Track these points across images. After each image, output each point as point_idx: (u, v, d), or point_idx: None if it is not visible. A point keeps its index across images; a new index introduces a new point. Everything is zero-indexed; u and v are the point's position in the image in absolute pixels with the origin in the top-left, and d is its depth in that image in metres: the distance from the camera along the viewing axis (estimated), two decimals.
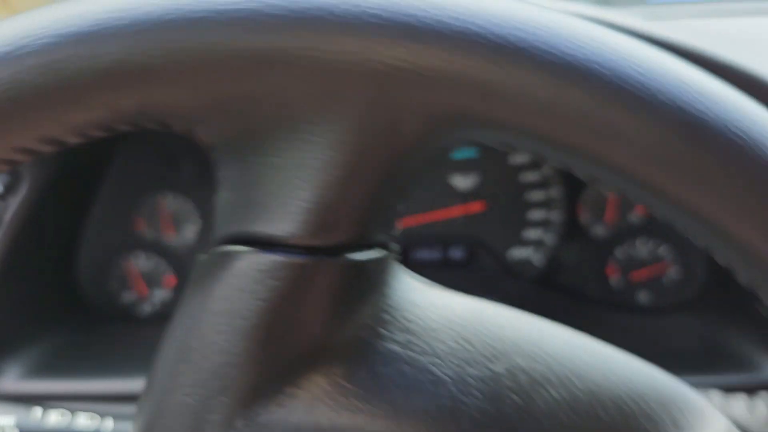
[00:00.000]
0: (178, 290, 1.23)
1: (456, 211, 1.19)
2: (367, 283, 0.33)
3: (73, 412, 0.74)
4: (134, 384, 0.94)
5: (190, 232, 1.24)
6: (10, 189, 0.91)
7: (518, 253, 1.20)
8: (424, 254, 1.22)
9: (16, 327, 1.00)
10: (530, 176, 1.19)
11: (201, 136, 0.32)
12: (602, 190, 1.18)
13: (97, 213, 1.16)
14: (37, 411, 0.73)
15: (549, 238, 1.19)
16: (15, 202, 0.92)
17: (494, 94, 0.28)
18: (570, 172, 1.04)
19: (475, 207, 1.19)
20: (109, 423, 0.76)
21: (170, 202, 1.23)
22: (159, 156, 1.20)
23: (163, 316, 1.23)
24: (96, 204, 1.14)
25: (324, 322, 0.32)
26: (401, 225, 1.22)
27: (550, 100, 0.28)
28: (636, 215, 1.18)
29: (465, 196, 1.19)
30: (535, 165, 1.18)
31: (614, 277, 1.17)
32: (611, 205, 1.18)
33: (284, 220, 0.31)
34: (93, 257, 1.19)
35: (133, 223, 1.23)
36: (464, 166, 1.19)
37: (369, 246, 0.33)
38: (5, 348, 0.98)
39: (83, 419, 0.74)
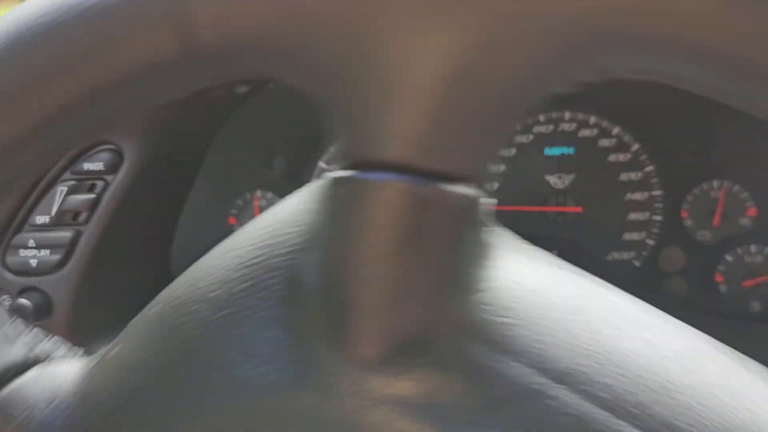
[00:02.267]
0: None
1: (552, 208, 1.15)
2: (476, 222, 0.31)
3: None
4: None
5: None
6: (111, 167, 0.93)
7: (617, 255, 1.15)
8: None
9: (108, 312, 1.03)
10: (630, 176, 1.13)
11: (312, 60, 0.29)
12: (711, 193, 1.11)
13: (193, 208, 1.19)
14: None
15: (650, 241, 1.13)
16: (115, 181, 0.95)
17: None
18: (674, 172, 0.97)
19: (572, 208, 1.15)
20: None
21: (262, 200, 1.25)
22: (253, 154, 1.22)
23: None
24: (191, 199, 1.17)
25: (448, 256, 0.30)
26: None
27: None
28: (747, 219, 1.10)
29: (561, 195, 1.15)
30: (635, 164, 1.13)
31: (724, 285, 1.10)
32: (720, 208, 1.11)
33: (406, 145, 0.28)
34: (187, 252, 1.21)
35: (226, 219, 1.25)
36: (561, 164, 1.15)
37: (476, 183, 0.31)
38: (95, 333, 1.01)
39: None
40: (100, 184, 0.96)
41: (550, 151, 1.15)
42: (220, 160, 1.18)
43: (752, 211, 1.10)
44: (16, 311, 0.96)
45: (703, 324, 0.99)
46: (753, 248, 1.09)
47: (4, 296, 1.00)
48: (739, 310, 1.09)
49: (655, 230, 1.13)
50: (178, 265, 1.20)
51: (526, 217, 1.17)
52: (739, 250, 1.09)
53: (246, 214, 1.25)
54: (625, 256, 1.14)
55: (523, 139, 1.16)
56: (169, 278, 1.19)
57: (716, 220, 1.11)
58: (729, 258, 1.10)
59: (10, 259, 0.98)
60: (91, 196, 0.95)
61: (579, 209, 1.15)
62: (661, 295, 1.13)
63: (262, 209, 1.26)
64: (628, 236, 1.14)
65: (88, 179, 0.96)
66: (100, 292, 1.01)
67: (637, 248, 1.14)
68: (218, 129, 1.10)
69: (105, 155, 0.94)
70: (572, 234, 1.16)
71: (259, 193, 1.25)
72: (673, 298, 1.13)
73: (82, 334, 1.00)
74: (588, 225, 1.15)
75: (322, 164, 1.23)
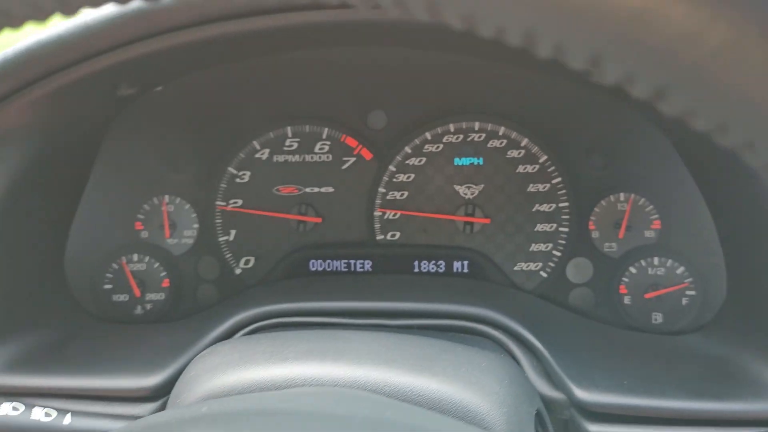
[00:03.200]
0: (172, 293, 1.20)
1: (461, 218, 1.14)
2: None
3: (27, 405, 0.70)
4: (105, 382, 0.91)
5: (188, 235, 1.22)
6: None
7: (524, 266, 1.14)
8: (429, 266, 1.17)
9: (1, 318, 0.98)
10: (538, 187, 1.13)
11: None
12: (617, 205, 1.12)
13: (90, 213, 1.14)
14: None
15: (557, 252, 1.13)
16: None
17: None
18: (582, 184, 0.95)
19: (481, 219, 1.14)
20: (67, 418, 0.72)
21: (170, 205, 1.21)
22: (159, 158, 1.18)
23: (155, 317, 1.20)
24: (88, 204, 1.12)
25: None
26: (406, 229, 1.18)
27: None
28: (652, 231, 1.11)
29: (470, 205, 1.14)
30: (542, 175, 1.13)
31: (628, 296, 1.10)
32: (625, 220, 1.11)
33: None
34: (89, 256, 1.16)
35: (132, 224, 1.21)
36: (469, 174, 1.14)
37: None
38: None
39: (38, 413, 0.71)
40: None
41: (459, 162, 1.15)
42: (117, 165, 1.13)
43: (657, 224, 1.11)
44: None
45: (608, 336, 0.99)
46: (656, 260, 1.10)
47: None
48: (642, 321, 1.09)
49: (562, 241, 1.13)
50: (78, 273, 1.14)
51: (436, 226, 1.16)
52: (643, 262, 1.10)
53: (154, 219, 1.21)
54: (533, 267, 1.14)
55: (432, 148, 1.15)
56: (64, 288, 1.13)
57: (622, 233, 1.12)
58: (633, 270, 1.10)
59: None
60: None
61: (487, 221, 1.14)
62: (568, 306, 1.13)
63: (170, 214, 1.22)
64: (536, 247, 1.14)
65: None
66: None
67: (544, 259, 1.14)
68: (104, 131, 1.05)
69: None
70: (480, 245, 1.15)
71: (167, 198, 1.21)
72: (580, 310, 1.13)
73: None
74: (496, 235, 1.15)
75: (232, 170, 1.20)
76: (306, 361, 0.73)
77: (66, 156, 0.98)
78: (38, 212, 1.00)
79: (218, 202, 1.21)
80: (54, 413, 0.75)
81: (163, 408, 0.91)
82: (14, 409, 0.73)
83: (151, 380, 0.92)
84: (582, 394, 0.82)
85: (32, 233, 1.01)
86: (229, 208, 1.20)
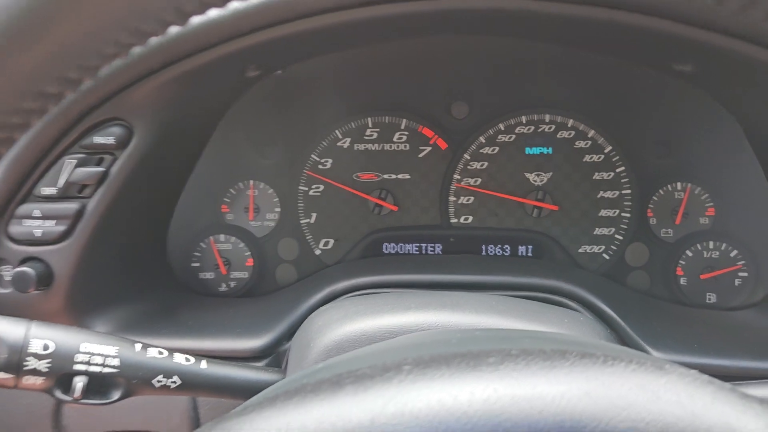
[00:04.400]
0: (256, 271, 1.29)
1: (531, 202, 1.23)
2: None
3: (168, 351, 0.79)
4: (214, 343, 0.99)
5: (270, 218, 1.31)
6: (121, 142, 0.96)
7: (588, 249, 1.24)
8: (496, 250, 1.26)
9: (108, 284, 1.05)
10: (603, 175, 1.23)
11: None
12: (675, 194, 1.22)
13: (190, 192, 1.23)
14: (136, 345, 0.78)
15: (618, 236, 1.23)
16: (123, 156, 0.98)
17: None
18: (643, 174, 1.07)
19: (549, 206, 1.24)
20: (203, 363, 0.80)
21: (255, 190, 1.30)
22: (250, 142, 1.28)
23: (238, 293, 1.28)
24: (190, 183, 1.21)
25: None
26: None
27: None
28: (706, 218, 1.20)
29: (540, 191, 1.23)
30: (607, 164, 1.23)
31: (684, 278, 1.20)
32: (682, 207, 1.21)
33: None
34: (181, 236, 1.25)
35: (219, 207, 1.30)
36: (540, 162, 1.24)
37: None
38: (95, 304, 1.03)
39: (179, 358, 0.79)
40: (108, 158, 0.99)
41: (530, 151, 1.25)
42: (220, 147, 1.22)
43: (711, 211, 1.21)
44: (18, 279, 0.98)
45: (668, 310, 1.08)
46: (711, 245, 1.19)
47: (6, 266, 1.01)
48: (696, 300, 1.18)
49: (624, 226, 1.23)
50: (172, 248, 1.23)
51: (506, 210, 1.26)
52: (699, 246, 1.20)
53: (239, 202, 1.30)
54: (596, 249, 1.24)
55: (505, 138, 1.25)
56: (166, 261, 1.23)
57: (678, 219, 1.21)
58: (689, 253, 1.20)
59: (13, 229, 0.99)
60: (100, 169, 0.98)
61: (555, 208, 1.24)
62: (626, 286, 1.22)
63: (255, 199, 1.31)
64: (599, 231, 1.23)
65: (96, 153, 0.99)
66: (99, 265, 1.03)
67: (607, 242, 1.23)
68: (226, 110, 1.15)
69: (115, 130, 0.97)
70: (547, 228, 1.24)
71: (252, 182, 1.30)
72: (638, 289, 1.22)
73: (78, 306, 1.02)
74: (562, 220, 1.24)
75: (314, 157, 1.29)
76: (428, 310, 0.82)
77: (188, 134, 1.07)
78: (154, 186, 1.09)
79: (301, 188, 1.30)
80: (192, 359, 0.83)
81: (271, 365, 1.00)
82: (160, 353, 0.82)
83: (257, 342, 1.00)
84: (659, 354, 0.91)
85: (146, 206, 1.10)
86: (311, 195, 1.30)
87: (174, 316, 1.10)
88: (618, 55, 1.04)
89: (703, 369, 0.91)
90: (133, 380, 0.81)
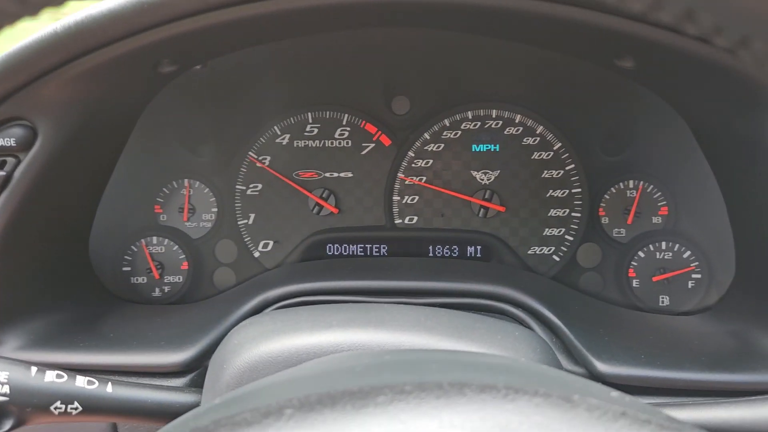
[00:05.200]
0: (191, 275, 1.22)
1: (478, 201, 1.18)
2: None
3: (69, 374, 0.72)
4: (135, 358, 0.92)
5: (206, 219, 1.24)
6: (23, 144, 0.88)
7: (537, 250, 1.18)
8: (444, 251, 1.20)
9: (21, 296, 0.98)
10: (552, 173, 1.17)
11: None
12: (627, 192, 1.17)
13: (114, 194, 1.15)
14: (32, 369, 0.72)
15: (569, 237, 1.18)
16: (27, 158, 0.89)
17: None
18: (593, 171, 1.01)
19: (496, 206, 1.18)
20: (109, 386, 0.74)
21: (190, 189, 1.23)
22: (180, 140, 1.20)
23: (173, 299, 1.21)
24: (113, 184, 1.13)
25: None
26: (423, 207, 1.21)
27: None
28: (659, 218, 1.16)
29: (488, 191, 1.18)
30: (556, 162, 1.17)
31: (636, 280, 1.15)
32: (634, 206, 1.16)
33: None
34: (110, 238, 1.18)
35: (151, 207, 1.22)
36: (486, 160, 1.18)
37: None
38: (7, 317, 0.96)
39: (81, 380, 0.72)
40: (11, 161, 0.91)
41: (476, 148, 1.19)
42: (144, 145, 1.15)
43: (664, 210, 1.16)
44: None
45: (619, 315, 1.03)
46: (663, 245, 1.15)
47: None
48: (649, 303, 1.14)
49: (575, 226, 1.18)
50: (97, 252, 1.16)
51: (453, 211, 1.20)
52: (651, 247, 1.15)
53: (173, 202, 1.23)
54: (546, 250, 1.18)
55: (451, 135, 1.19)
56: (88, 267, 1.14)
57: (631, 218, 1.17)
58: (641, 254, 1.15)
59: None
60: (1, 173, 0.91)
61: (502, 209, 1.18)
62: (578, 289, 1.18)
63: (190, 199, 1.23)
64: (549, 231, 1.18)
65: None
66: (8, 274, 0.95)
67: (557, 243, 1.18)
68: (141, 110, 1.07)
69: (17, 131, 0.89)
70: (495, 229, 1.19)
71: (185, 181, 1.23)
72: (590, 292, 1.17)
73: None
74: (511, 220, 1.19)
75: (252, 154, 1.22)
76: (350, 328, 0.76)
77: (101, 134, 0.99)
78: (66, 190, 1.01)
79: (238, 187, 1.23)
80: (96, 382, 0.77)
81: (195, 382, 0.93)
82: (58, 376, 0.75)
83: (181, 356, 0.94)
84: (603, 366, 0.86)
85: (60, 211, 1.03)
86: (248, 194, 1.23)
87: (95, 327, 1.03)
88: (559, 50, 0.98)
89: (648, 382, 0.87)
90: (26, 408, 0.74)
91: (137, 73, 0.91)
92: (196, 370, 0.94)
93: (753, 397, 0.75)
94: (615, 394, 0.46)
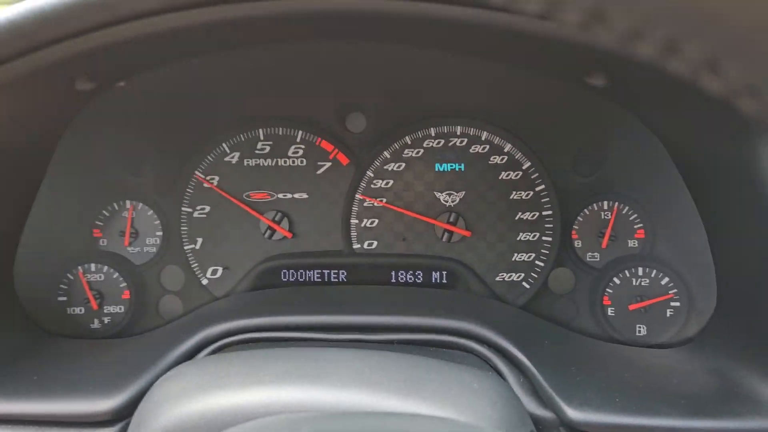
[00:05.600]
0: (133, 305, 1.12)
1: (442, 224, 1.09)
2: None
3: None
4: (58, 406, 0.83)
5: (150, 243, 1.14)
6: None
7: (506, 277, 1.10)
8: (407, 277, 1.12)
9: None
10: (521, 194, 1.09)
11: None
12: (601, 214, 1.09)
13: (49, 218, 1.05)
14: None
15: (539, 262, 1.10)
16: None
17: None
18: (565, 192, 0.91)
19: (461, 231, 1.10)
20: None
21: (133, 211, 1.13)
22: (117, 158, 1.10)
23: (114, 331, 1.12)
24: (40, 209, 1.03)
25: None
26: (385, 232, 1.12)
27: None
28: (635, 241, 1.08)
29: (453, 213, 1.09)
30: (526, 182, 1.09)
31: (611, 308, 1.07)
32: (609, 229, 1.08)
33: None
34: (42, 266, 1.08)
35: (89, 231, 1.13)
36: (451, 180, 1.10)
37: None
38: None
39: None
40: None
41: (440, 167, 1.10)
42: (73, 166, 1.05)
43: (640, 233, 1.08)
44: None
45: (594, 349, 0.94)
46: (640, 271, 1.07)
47: None
48: (626, 334, 1.06)
49: (545, 251, 1.10)
50: (25, 281, 1.06)
51: (415, 234, 1.11)
52: (627, 273, 1.07)
53: (113, 225, 1.13)
54: (515, 277, 1.10)
55: (412, 153, 1.10)
56: (13, 299, 1.03)
57: (605, 242, 1.09)
58: (617, 281, 1.07)
59: None
60: None
61: (467, 234, 1.10)
62: (551, 318, 1.10)
63: (133, 222, 1.14)
64: (518, 257, 1.10)
65: None
66: None
67: (527, 269, 1.10)
68: (63, 129, 0.97)
69: None
70: (460, 254, 1.10)
71: (128, 203, 1.13)
72: (563, 321, 1.09)
73: None
74: (477, 245, 1.11)
75: (199, 174, 1.13)
76: (284, 384, 0.67)
77: (19, 156, 0.90)
78: None
79: (184, 209, 1.13)
80: None
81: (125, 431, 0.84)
82: None
83: (109, 403, 0.84)
84: (573, 413, 0.78)
85: None
86: (195, 217, 1.13)
87: (17, 368, 0.93)
88: (526, 66, 0.90)
89: (623, 430, 0.79)
90: None
91: (53, 90, 0.82)
92: (126, 419, 0.85)
93: None
94: None
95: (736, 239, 0.88)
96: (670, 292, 1.05)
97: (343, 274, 1.13)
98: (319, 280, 1.14)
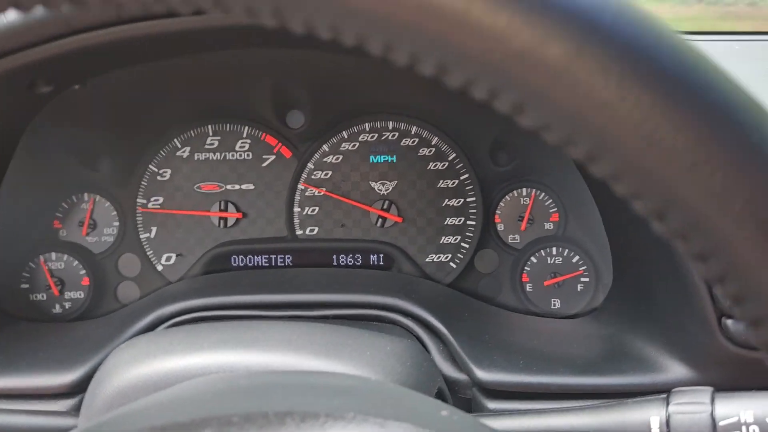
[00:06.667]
0: (92, 290, 1.20)
1: (377, 211, 1.20)
2: None
3: None
4: (20, 380, 0.92)
5: (108, 233, 1.23)
6: None
7: (435, 258, 1.22)
8: (348, 260, 1.22)
9: None
10: (447, 183, 1.21)
11: None
12: (521, 200, 1.21)
13: (12, 210, 1.13)
14: None
15: (465, 244, 1.21)
16: None
17: None
18: (488, 180, 1.05)
19: (394, 217, 1.21)
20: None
21: (88, 204, 1.21)
22: (74, 154, 1.18)
23: (74, 315, 1.20)
24: (9, 200, 1.11)
25: None
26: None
27: None
28: (551, 224, 1.20)
29: (386, 201, 1.20)
30: (452, 172, 1.20)
31: (529, 284, 1.20)
32: (527, 213, 1.20)
33: None
34: (5, 255, 1.16)
35: (50, 223, 1.21)
36: (384, 171, 1.21)
37: None
38: None
39: None
40: None
41: (374, 159, 1.21)
42: (38, 162, 1.13)
43: (555, 217, 1.20)
44: None
45: (511, 321, 1.07)
46: (554, 250, 1.19)
47: None
48: (542, 307, 1.19)
49: (470, 234, 1.21)
50: None
51: (353, 221, 1.22)
52: (543, 252, 1.20)
53: (72, 217, 1.21)
54: (443, 258, 1.22)
55: (349, 146, 1.21)
56: None
57: (524, 225, 1.21)
58: (534, 259, 1.20)
59: None
60: None
61: (399, 219, 1.21)
62: (477, 294, 1.21)
63: (92, 213, 1.22)
64: (446, 239, 1.22)
65: None
66: None
67: (454, 251, 1.22)
68: (21, 129, 1.05)
69: None
70: (394, 238, 1.22)
71: (86, 195, 1.22)
72: (488, 297, 1.21)
73: None
74: (408, 229, 1.22)
75: (152, 167, 1.21)
76: (220, 350, 0.77)
77: None
78: None
79: (139, 200, 1.22)
80: None
81: (80, 403, 0.93)
82: None
83: (68, 377, 0.94)
84: (482, 374, 0.90)
85: None
86: (149, 208, 1.22)
87: None
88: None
89: (524, 387, 0.91)
90: None
91: (12, 94, 0.90)
92: (84, 392, 0.94)
93: (604, 401, 0.80)
94: (445, 412, 0.49)
95: (624, 219, 1.01)
96: (580, 269, 1.18)
97: (288, 258, 1.23)
98: (267, 264, 1.24)
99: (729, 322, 0.80)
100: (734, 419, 0.57)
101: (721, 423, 0.57)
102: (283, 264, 1.24)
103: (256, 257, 1.23)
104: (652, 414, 0.60)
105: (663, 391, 0.75)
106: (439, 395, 0.85)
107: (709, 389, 0.61)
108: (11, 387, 0.93)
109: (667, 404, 0.60)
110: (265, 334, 0.81)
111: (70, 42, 0.80)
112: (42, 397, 0.94)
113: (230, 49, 0.99)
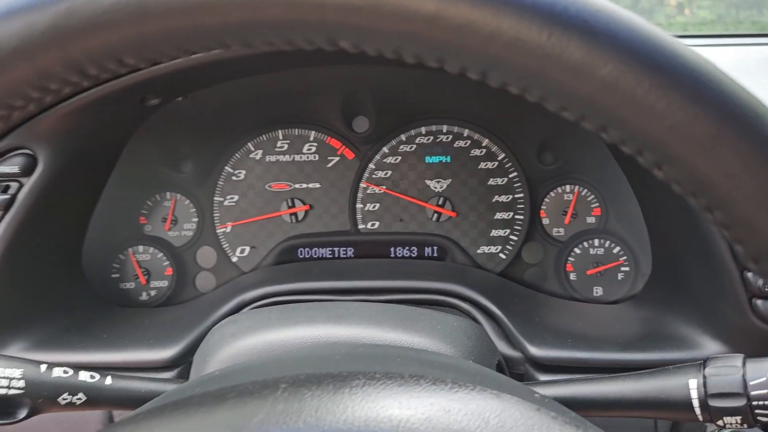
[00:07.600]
0: (174, 280, 1.34)
1: (433, 207, 1.32)
2: None
3: (73, 369, 0.84)
4: (126, 356, 1.05)
5: (188, 228, 1.36)
6: (25, 170, 1.00)
7: (485, 249, 1.33)
8: (404, 252, 1.34)
9: (23, 304, 1.09)
10: (497, 181, 1.32)
11: None
12: (564, 196, 1.31)
13: (104, 210, 1.27)
14: (42, 366, 0.83)
15: (513, 237, 1.32)
16: (29, 183, 1.02)
17: None
18: (534, 178, 1.20)
19: (449, 212, 1.32)
20: (108, 379, 0.86)
21: (171, 201, 1.35)
22: (162, 159, 1.32)
23: (159, 302, 1.34)
24: (103, 201, 1.25)
25: None
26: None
27: None
28: (593, 218, 1.31)
29: (441, 197, 1.32)
30: (501, 171, 1.31)
31: (573, 273, 1.30)
32: (571, 208, 1.31)
33: None
34: (99, 249, 1.30)
35: (137, 219, 1.35)
36: (439, 170, 1.32)
37: None
38: (10, 324, 1.07)
39: (84, 375, 0.84)
40: (14, 185, 1.03)
41: (429, 159, 1.33)
42: (130, 165, 1.27)
43: (597, 211, 1.31)
44: None
45: (556, 306, 1.19)
46: (596, 242, 1.30)
47: None
48: (585, 294, 1.29)
49: (518, 227, 1.32)
50: (90, 263, 1.28)
51: (410, 216, 1.34)
52: (586, 244, 1.30)
53: (157, 213, 1.35)
54: (493, 249, 1.33)
55: (407, 148, 1.33)
56: (81, 276, 1.27)
57: (568, 219, 1.31)
58: (577, 251, 1.30)
59: None
60: (6, 196, 1.02)
61: (454, 214, 1.32)
62: (524, 282, 1.32)
63: (175, 209, 1.36)
64: (495, 233, 1.33)
65: (2, 181, 1.03)
66: (11, 288, 1.07)
67: (503, 243, 1.33)
68: (129, 137, 1.19)
69: (19, 159, 1.01)
70: (448, 231, 1.33)
71: (168, 194, 1.35)
72: (533, 285, 1.32)
73: None
74: (461, 223, 1.33)
75: (228, 168, 1.35)
76: (313, 324, 0.89)
77: (93, 159, 1.12)
78: (62, 209, 1.13)
79: (216, 198, 1.35)
80: (97, 375, 0.89)
81: (182, 375, 1.06)
82: (65, 372, 0.87)
83: (167, 353, 1.07)
84: (535, 350, 1.01)
85: (56, 228, 1.15)
86: (225, 205, 1.35)
87: (89, 330, 1.15)
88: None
89: (572, 362, 1.02)
90: (38, 399, 0.87)
91: (125, 107, 1.04)
92: (181, 365, 1.07)
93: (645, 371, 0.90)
94: (537, 395, 0.58)
95: (663, 212, 1.11)
96: (620, 258, 1.28)
97: (350, 250, 1.36)
98: (330, 256, 1.36)
99: (759, 302, 0.90)
100: (763, 379, 0.67)
101: (752, 382, 0.67)
102: (345, 255, 1.36)
103: (320, 249, 1.36)
104: (690, 377, 0.70)
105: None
106: (499, 368, 0.96)
107: (741, 355, 0.71)
108: (119, 361, 1.06)
109: (704, 368, 0.70)
110: (348, 311, 0.93)
111: (182, 60, 0.93)
112: (145, 370, 1.07)
113: (310, 66, 1.12)
